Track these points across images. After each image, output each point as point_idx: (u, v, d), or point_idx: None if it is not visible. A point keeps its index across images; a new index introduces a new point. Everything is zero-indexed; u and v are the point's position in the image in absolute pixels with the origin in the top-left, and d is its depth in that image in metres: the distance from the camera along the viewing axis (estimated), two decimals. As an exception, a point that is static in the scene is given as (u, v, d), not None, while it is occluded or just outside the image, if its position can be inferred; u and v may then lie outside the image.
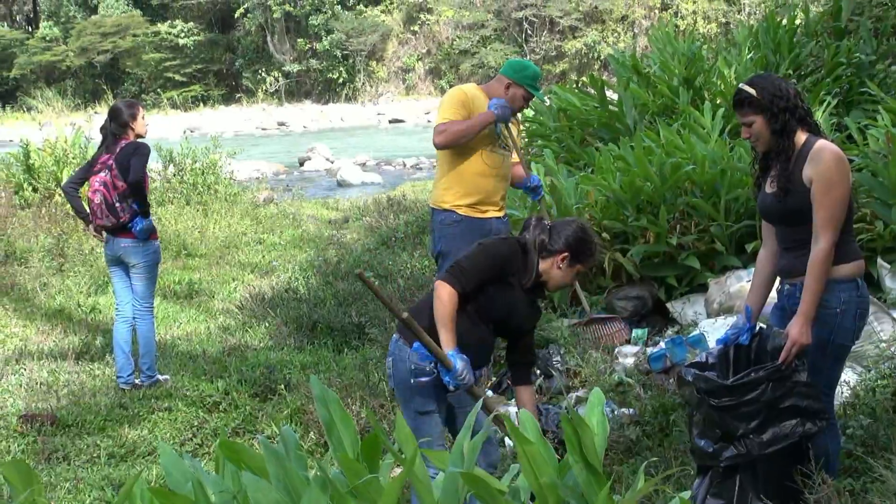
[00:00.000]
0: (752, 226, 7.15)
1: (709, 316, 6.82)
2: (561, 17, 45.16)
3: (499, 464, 4.47)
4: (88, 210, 6.92)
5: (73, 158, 13.25)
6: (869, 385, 5.08)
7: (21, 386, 7.12)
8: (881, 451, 4.45)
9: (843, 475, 4.31)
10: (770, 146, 4.11)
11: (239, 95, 51.60)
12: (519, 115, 6.62)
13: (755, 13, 38.57)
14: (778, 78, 4.20)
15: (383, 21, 49.56)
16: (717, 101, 9.15)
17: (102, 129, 7.00)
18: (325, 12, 49.30)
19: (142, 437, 6.08)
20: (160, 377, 7.06)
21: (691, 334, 6.29)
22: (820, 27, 10.46)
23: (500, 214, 6.18)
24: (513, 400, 5.60)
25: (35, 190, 13.10)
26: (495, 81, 6.15)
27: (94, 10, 54.63)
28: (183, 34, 51.94)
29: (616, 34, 44.93)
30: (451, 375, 3.97)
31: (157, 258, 7.06)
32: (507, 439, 5.51)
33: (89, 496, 5.25)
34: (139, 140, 6.91)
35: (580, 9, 45.00)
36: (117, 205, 6.75)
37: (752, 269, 4.59)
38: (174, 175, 14.43)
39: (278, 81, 50.89)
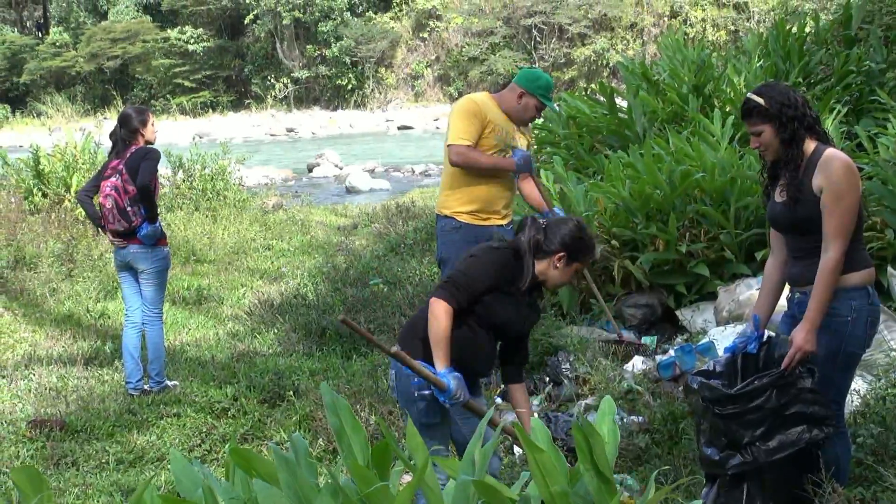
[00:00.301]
0: (761, 234, 7.13)
1: (718, 324, 6.80)
2: (570, 25, 45.10)
3: (499, 474, 4.46)
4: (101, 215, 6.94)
5: (83, 164, 13.29)
6: (879, 393, 5.07)
7: (30, 391, 7.13)
8: (891, 459, 4.44)
9: (853, 484, 4.29)
10: (779, 155, 4.10)
11: (248, 101, 51.65)
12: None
13: (764, 21, 38.50)
14: (786, 86, 4.20)
15: (392, 28, 49.56)
16: (727, 109, 9.13)
17: (112, 134, 7.02)
18: (335, 19, 49.32)
19: (150, 442, 6.08)
20: (169, 383, 7.06)
21: (700, 342, 6.28)
22: (830, 35, 10.45)
23: (504, 222, 6.17)
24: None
25: (45, 195, 13.13)
26: (508, 91, 6.16)
27: (104, 16, 54.80)
28: (192, 40, 52.01)
29: (625, 42, 44.86)
30: (445, 396, 3.96)
31: (166, 264, 7.07)
32: (515, 448, 5.50)
33: (98, 502, 5.25)
34: (149, 146, 6.93)
35: (589, 16, 44.94)
36: (128, 209, 6.75)
37: (762, 277, 4.58)
38: (183, 181, 14.46)
39: (287, 88, 50.92)
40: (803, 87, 9.44)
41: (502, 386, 6.36)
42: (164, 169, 13.16)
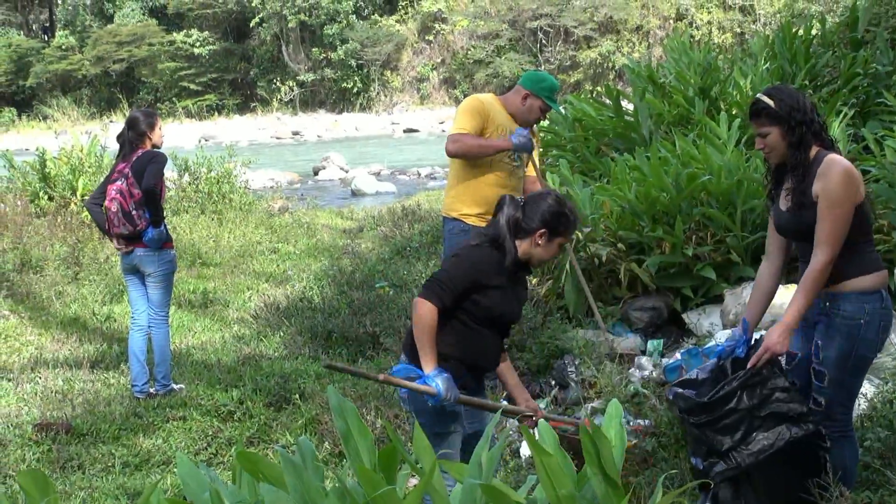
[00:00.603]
0: (768, 236, 7.11)
1: (724, 327, 6.79)
2: (575, 27, 45.11)
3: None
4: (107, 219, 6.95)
5: (89, 167, 13.30)
6: (887, 397, 5.06)
7: (36, 394, 7.14)
8: (899, 463, 4.42)
9: (860, 487, 4.28)
10: (783, 158, 4.09)
11: (254, 105, 51.73)
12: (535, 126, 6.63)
13: (771, 23, 38.50)
14: (795, 90, 4.19)
15: (398, 31, 49.60)
16: (733, 112, 9.12)
17: (120, 136, 7.02)
18: (340, 22, 49.38)
19: (156, 446, 6.08)
20: (175, 386, 7.06)
21: (707, 345, 6.27)
22: (836, 38, 10.43)
23: None
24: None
25: (51, 198, 13.14)
26: (513, 93, 6.17)
27: (110, 20, 54.90)
28: (198, 43, 52.11)
29: (631, 44, 44.86)
30: (435, 400, 3.95)
31: (172, 267, 7.07)
32: (521, 450, 5.50)
33: (104, 505, 5.26)
34: (156, 150, 6.93)
35: (595, 19, 44.95)
36: (133, 213, 6.76)
37: (754, 281, 4.56)
38: (189, 184, 14.47)
39: (293, 91, 50.97)
40: (810, 89, 9.43)
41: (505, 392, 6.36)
42: (169, 172, 13.18)
